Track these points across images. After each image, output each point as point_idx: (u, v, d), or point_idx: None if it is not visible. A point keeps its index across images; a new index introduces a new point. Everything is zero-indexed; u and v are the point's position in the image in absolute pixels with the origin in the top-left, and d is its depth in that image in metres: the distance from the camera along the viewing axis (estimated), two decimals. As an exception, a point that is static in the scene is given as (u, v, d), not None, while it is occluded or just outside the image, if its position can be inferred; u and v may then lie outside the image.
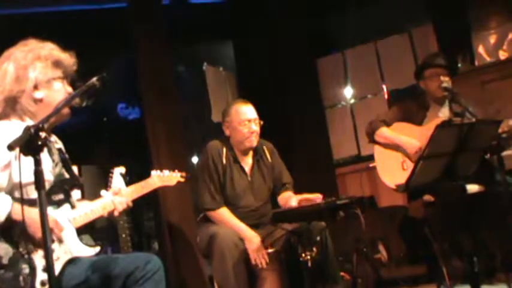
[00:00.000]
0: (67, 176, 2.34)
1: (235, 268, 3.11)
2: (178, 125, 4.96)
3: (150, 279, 2.10)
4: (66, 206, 2.25)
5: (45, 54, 2.24)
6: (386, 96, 5.68)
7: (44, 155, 2.15)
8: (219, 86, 5.75)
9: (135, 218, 5.30)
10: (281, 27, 5.72)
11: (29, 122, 2.19)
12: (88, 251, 2.25)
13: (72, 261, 2.17)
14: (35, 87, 2.21)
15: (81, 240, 2.24)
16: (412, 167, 2.96)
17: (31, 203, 2.02)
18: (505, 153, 3.37)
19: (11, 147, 1.76)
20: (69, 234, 2.20)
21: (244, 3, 5.77)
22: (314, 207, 3.13)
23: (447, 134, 2.94)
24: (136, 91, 4.98)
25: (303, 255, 3.12)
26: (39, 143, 1.78)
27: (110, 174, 2.86)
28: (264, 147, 3.62)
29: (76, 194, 2.35)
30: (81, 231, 2.25)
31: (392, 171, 3.56)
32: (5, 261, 2.00)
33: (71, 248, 2.20)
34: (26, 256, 2.03)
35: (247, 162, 3.55)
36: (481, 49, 4.98)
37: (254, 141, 3.48)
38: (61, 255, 2.15)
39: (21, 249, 2.04)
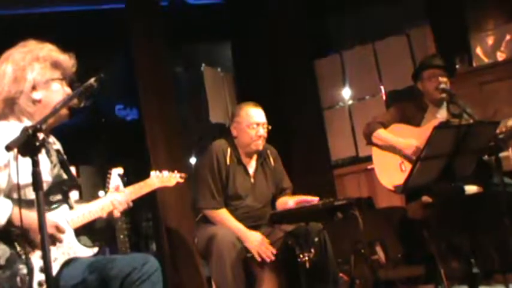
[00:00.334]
0: (65, 177, 2.33)
1: (234, 269, 3.10)
2: (176, 125, 4.96)
3: (147, 280, 2.08)
4: (65, 207, 2.24)
5: (44, 55, 2.23)
6: (384, 97, 5.68)
7: (42, 156, 2.15)
8: (217, 87, 5.75)
9: (133, 218, 5.30)
10: (280, 28, 5.73)
11: (27, 123, 2.18)
12: (86, 251, 2.24)
13: (69, 262, 2.16)
14: (33, 88, 2.20)
15: (79, 241, 2.24)
16: (410, 168, 2.96)
17: (29, 204, 2.01)
18: (502, 154, 3.38)
19: (9, 148, 1.75)
20: (67, 235, 2.20)
21: (243, 4, 5.78)
22: (312, 208, 3.14)
23: (445, 135, 2.94)
24: (135, 92, 4.97)
25: (301, 256, 3.12)
26: (37, 144, 1.77)
27: (108, 175, 2.85)
28: (268, 152, 3.62)
29: (74, 195, 2.35)
30: (79, 232, 2.25)
31: (390, 172, 3.56)
32: (2, 261, 1.99)
33: (68, 248, 2.19)
34: (24, 257, 2.02)
35: (251, 164, 3.55)
36: (478, 50, 4.98)
37: (260, 145, 3.49)
38: (59, 256, 2.15)
39: (18, 250, 2.03)
